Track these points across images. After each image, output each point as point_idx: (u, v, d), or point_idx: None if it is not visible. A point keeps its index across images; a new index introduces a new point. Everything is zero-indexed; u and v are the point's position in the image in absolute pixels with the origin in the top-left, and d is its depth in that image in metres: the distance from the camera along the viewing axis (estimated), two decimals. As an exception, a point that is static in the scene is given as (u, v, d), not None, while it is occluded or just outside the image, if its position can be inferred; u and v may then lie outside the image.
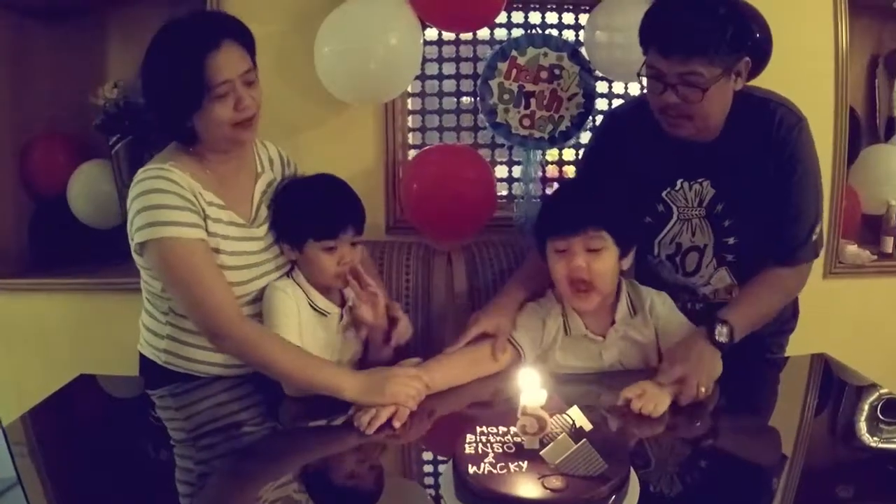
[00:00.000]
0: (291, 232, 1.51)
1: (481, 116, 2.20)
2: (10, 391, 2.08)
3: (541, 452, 1.00)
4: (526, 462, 1.01)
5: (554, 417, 1.04)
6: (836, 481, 1.12)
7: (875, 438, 1.29)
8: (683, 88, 1.39)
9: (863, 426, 1.32)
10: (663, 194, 1.58)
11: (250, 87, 1.39)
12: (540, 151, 2.24)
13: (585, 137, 2.28)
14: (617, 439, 1.18)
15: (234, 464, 1.25)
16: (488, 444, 1.05)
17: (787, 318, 1.74)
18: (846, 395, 1.55)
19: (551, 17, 2.29)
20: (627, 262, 1.52)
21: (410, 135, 2.31)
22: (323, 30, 1.98)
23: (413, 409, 1.32)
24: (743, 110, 1.48)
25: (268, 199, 1.54)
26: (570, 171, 2.38)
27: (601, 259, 1.45)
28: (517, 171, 2.32)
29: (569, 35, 2.28)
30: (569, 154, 2.38)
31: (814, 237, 1.53)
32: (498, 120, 2.14)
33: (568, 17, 2.29)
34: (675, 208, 1.59)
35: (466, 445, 1.05)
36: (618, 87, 2.32)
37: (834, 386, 1.60)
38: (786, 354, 1.75)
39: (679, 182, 1.56)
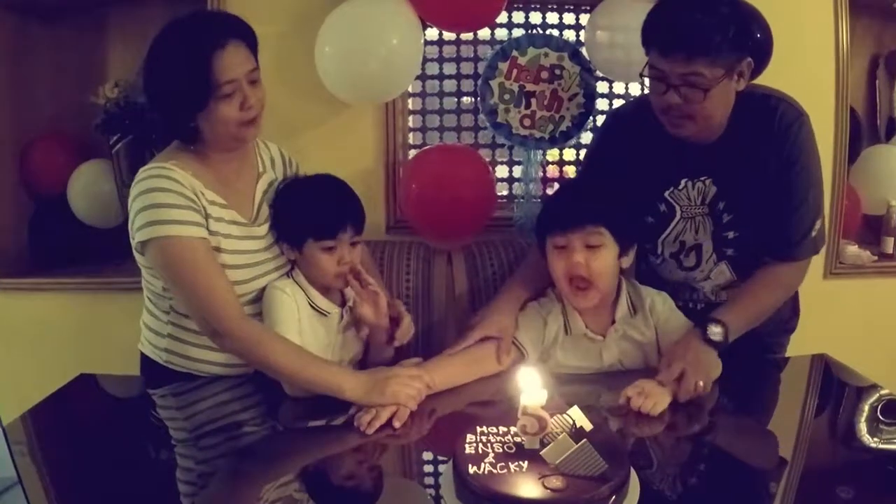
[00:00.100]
0: (291, 232, 1.51)
1: (482, 116, 2.20)
2: (10, 391, 2.08)
3: (541, 452, 1.00)
4: (526, 462, 1.01)
5: (554, 417, 1.04)
6: (837, 482, 1.12)
7: (875, 439, 1.29)
8: (686, 89, 1.39)
9: (863, 427, 1.32)
10: (666, 194, 1.58)
11: (255, 87, 1.39)
12: (540, 151, 2.24)
13: (586, 137, 2.29)
14: (617, 439, 1.18)
15: (234, 463, 1.25)
16: (488, 444, 1.05)
17: (787, 317, 1.74)
18: (846, 396, 1.55)
19: (552, 18, 2.29)
20: (627, 261, 1.52)
21: (411, 135, 2.31)
22: (324, 30, 1.98)
23: (413, 409, 1.32)
24: (745, 108, 1.49)
25: (269, 198, 1.54)
26: (570, 171, 2.38)
27: (600, 256, 1.45)
28: (518, 171, 2.33)
29: (569, 35, 2.28)
30: (569, 154, 2.38)
31: (813, 233, 1.53)
32: (498, 120, 2.14)
33: (569, 18, 2.29)
34: (678, 207, 1.59)
35: (467, 445, 1.05)
36: (618, 88, 2.32)
37: (834, 386, 1.60)
38: (786, 355, 1.75)
39: (683, 181, 1.56)
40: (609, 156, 1.65)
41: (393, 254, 2.03)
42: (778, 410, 1.47)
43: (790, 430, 1.34)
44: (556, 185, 2.35)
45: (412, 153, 2.28)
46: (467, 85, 2.30)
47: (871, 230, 2.53)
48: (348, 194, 1.55)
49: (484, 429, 1.09)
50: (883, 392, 1.43)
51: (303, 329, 1.48)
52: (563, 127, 2.15)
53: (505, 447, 1.05)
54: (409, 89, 2.24)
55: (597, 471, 0.97)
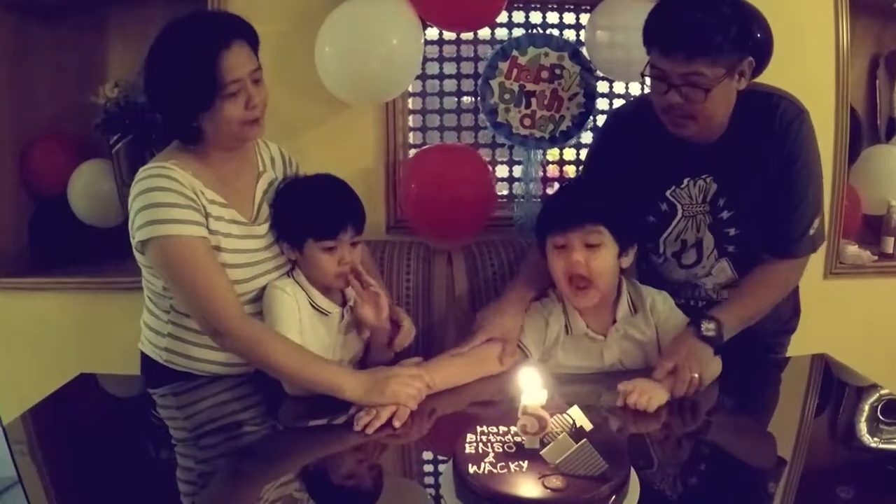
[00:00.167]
0: (291, 232, 1.51)
1: (482, 116, 2.20)
2: (10, 391, 2.08)
3: (541, 452, 1.00)
4: (526, 462, 1.01)
5: (554, 417, 1.04)
6: (837, 482, 1.12)
7: (875, 439, 1.29)
8: (687, 89, 1.39)
9: (863, 427, 1.32)
10: (667, 193, 1.58)
11: (258, 86, 1.40)
12: (541, 151, 2.24)
13: (586, 137, 2.30)
14: (617, 439, 1.18)
15: (235, 463, 1.25)
16: (489, 444, 1.05)
17: (788, 317, 1.74)
18: (846, 396, 1.55)
19: (552, 17, 2.29)
20: (627, 261, 1.52)
21: (411, 134, 2.31)
22: (324, 29, 1.98)
23: (413, 408, 1.32)
24: (746, 107, 1.49)
25: (269, 198, 1.54)
26: (570, 170, 2.38)
27: (600, 255, 1.45)
28: (518, 171, 2.33)
29: (570, 35, 2.28)
30: (569, 154, 2.38)
31: (812, 231, 1.53)
32: (499, 119, 2.14)
33: (569, 17, 2.29)
34: (679, 206, 1.59)
35: (467, 445, 1.05)
36: (618, 87, 2.32)
37: (834, 386, 1.60)
38: (786, 355, 1.75)
39: (685, 180, 1.56)
40: (610, 156, 1.65)
41: (393, 254, 2.03)
42: (778, 410, 1.47)
43: (790, 429, 1.34)
44: (556, 185, 2.35)
45: (412, 153, 2.28)
46: (467, 84, 2.30)
47: (871, 230, 2.53)
48: (349, 194, 1.55)
49: (484, 428, 1.09)
50: (883, 392, 1.43)
51: (303, 328, 1.48)
52: (563, 126, 2.15)
53: (505, 447, 1.05)
54: (410, 89, 2.24)
55: (597, 471, 0.97)
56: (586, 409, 1.06)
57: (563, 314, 1.54)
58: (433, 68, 2.28)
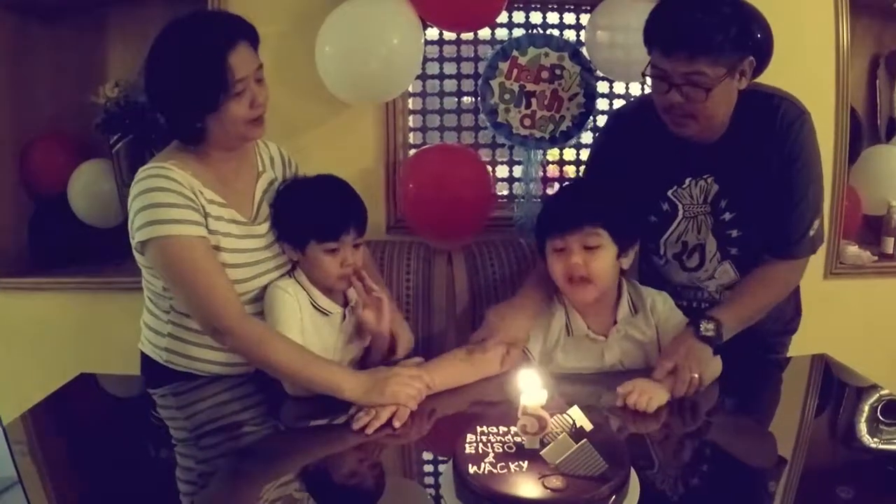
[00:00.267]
0: (293, 233, 1.51)
1: (482, 116, 2.20)
2: (10, 391, 2.08)
3: (541, 452, 1.00)
4: (526, 462, 1.01)
5: (554, 417, 1.04)
6: (837, 482, 1.12)
7: (875, 439, 1.29)
8: (688, 88, 1.39)
9: (863, 427, 1.32)
10: (669, 193, 1.58)
11: (261, 85, 1.41)
12: (541, 151, 2.24)
13: (586, 137, 2.30)
14: (617, 439, 1.18)
15: (235, 463, 1.25)
16: (489, 444, 1.05)
17: (790, 318, 1.74)
18: (846, 396, 1.55)
19: (552, 17, 2.29)
20: (627, 262, 1.52)
21: (411, 134, 2.31)
22: (324, 29, 1.98)
23: (413, 409, 1.33)
24: (747, 107, 1.49)
25: (269, 197, 1.54)
26: (570, 170, 2.38)
27: (599, 257, 1.45)
28: (518, 171, 2.32)
29: (570, 35, 2.28)
30: (569, 154, 2.38)
31: (812, 232, 1.53)
32: (499, 120, 2.14)
33: (569, 17, 2.29)
34: (680, 206, 1.59)
35: (467, 445, 1.05)
36: (619, 87, 2.32)
37: (834, 387, 1.60)
38: (787, 355, 1.75)
39: (687, 180, 1.56)
40: (612, 156, 1.65)
41: (393, 254, 2.03)
42: (778, 410, 1.47)
43: (790, 430, 1.34)
44: (557, 185, 2.35)
45: (412, 153, 2.28)
46: (468, 85, 2.30)
47: (871, 230, 2.53)
48: (352, 196, 1.55)
49: (484, 429, 1.09)
50: (883, 392, 1.43)
51: (305, 329, 1.48)
52: (563, 127, 2.15)
53: (505, 447, 1.05)
54: (410, 89, 2.24)
55: (597, 471, 0.97)
56: (586, 410, 1.06)
57: (565, 315, 1.54)
58: (433, 68, 2.28)
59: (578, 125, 2.15)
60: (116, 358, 1.66)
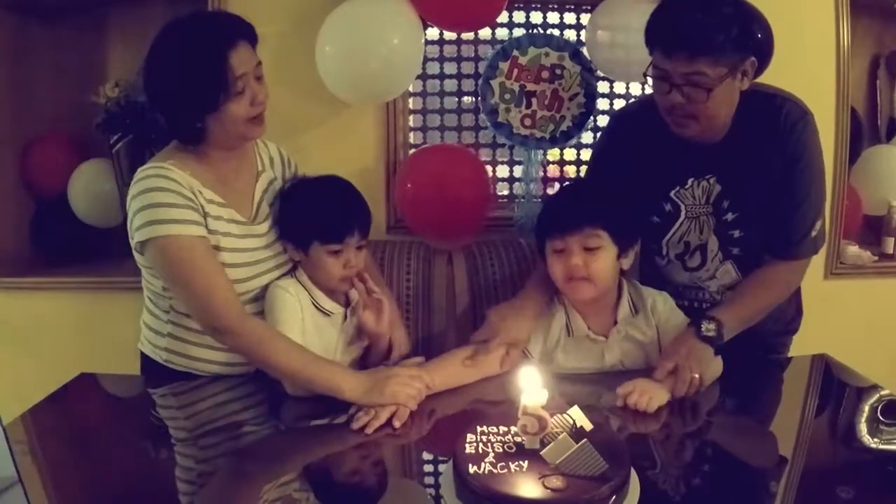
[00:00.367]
0: (297, 233, 1.50)
1: (482, 116, 2.20)
2: (10, 390, 2.08)
3: (541, 452, 1.00)
4: (526, 462, 1.01)
5: (555, 417, 1.04)
6: (837, 482, 1.12)
7: (875, 440, 1.29)
8: (689, 89, 1.39)
9: (863, 427, 1.32)
10: (671, 193, 1.58)
11: (260, 83, 1.41)
12: (541, 151, 2.23)
13: (587, 137, 2.30)
14: (617, 439, 1.18)
15: (235, 463, 1.25)
16: (489, 444, 1.05)
17: (791, 318, 1.74)
18: (847, 397, 1.54)
19: (553, 17, 2.29)
20: (627, 262, 1.52)
21: (412, 134, 2.31)
22: (324, 29, 1.97)
23: (413, 409, 1.33)
24: (749, 107, 1.49)
25: (269, 197, 1.54)
26: (571, 170, 2.38)
27: (599, 258, 1.45)
28: (518, 171, 2.32)
29: (570, 35, 2.27)
30: (570, 154, 2.38)
31: (813, 233, 1.53)
32: (499, 119, 2.14)
33: (569, 17, 2.29)
34: (683, 207, 1.59)
35: (467, 445, 1.05)
36: (619, 87, 2.32)
37: (834, 387, 1.60)
38: (787, 355, 1.75)
39: (689, 181, 1.56)
40: (614, 157, 1.64)
41: (393, 254, 2.03)
42: (778, 411, 1.47)
43: (790, 430, 1.34)
44: (557, 185, 2.35)
45: (413, 153, 2.28)
46: (468, 84, 2.30)
47: (871, 230, 2.53)
48: (357, 198, 1.55)
49: (484, 428, 1.09)
50: (883, 392, 1.43)
51: (306, 329, 1.48)
52: (563, 127, 2.15)
53: (505, 447, 1.05)
54: (410, 89, 2.24)
55: (597, 471, 0.97)
56: (587, 409, 1.06)
57: (565, 315, 1.54)
58: (434, 68, 2.28)
59: (579, 125, 2.15)
60: (116, 358, 1.66)
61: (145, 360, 1.57)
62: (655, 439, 1.27)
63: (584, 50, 2.14)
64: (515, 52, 2.10)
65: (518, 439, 1.05)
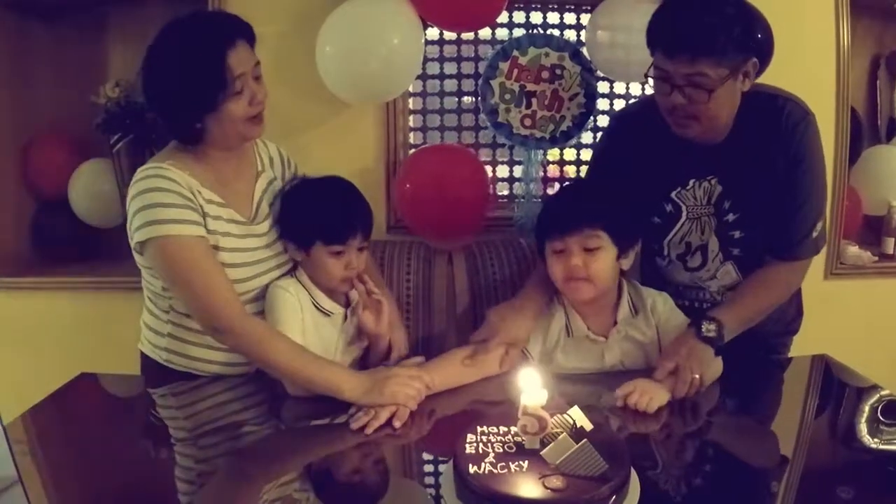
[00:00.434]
0: (299, 233, 1.50)
1: (482, 116, 2.20)
2: (10, 390, 2.08)
3: (541, 452, 1.00)
4: (526, 462, 1.01)
5: (555, 417, 1.04)
6: (837, 482, 1.12)
7: (875, 440, 1.29)
8: (690, 89, 1.39)
9: (863, 427, 1.32)
10: (672, 194, 1.58)
11: (259, 82, 1.41)
12: (541, 151, 2.23)
13: (587, 137, 2.30)
14: (618, 439, 1.18)
15: (235, 463, 1.25)
16: (489, 444, 1.05)
17: (792, 318, 1.74)
18: (847, 397, 1.55)
19: (553, 17, 2.29)
20: (627, 263, 1.52)
21: (412, 134, 2.31)
22: (324, 29, 1.98)
23: (413, 409, 1.32)
24: (751, 108, 1.49)
25: (269, 197, 1.54)
26: (571, 171, 2.38)
27: (598, 259, 1.45)
28: (518, 171, 2.32)
29: (570, 35, 2.27)
30: (570, 154, 2.38)
31: (814, 234, 1.53)
32: (499, 120, 2.14)
33: (569, 17, 2.29)
34: (684, 208, 1.59)
35: (467, 445, 1.05)
36: (619, 88, 2.32)
37: (834, 387, 1.60)
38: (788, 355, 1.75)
39: (690, 182, 1.56)
40: (615, 157, 1.64)
41: (393, 254, 2.03)
42: (779, 411, 1.47)
43: (791, 430, 1.34)
44: (557, 185, 2.35)
45: (412, 153, 2.28)
46: (468, 84, 2.30)
47: (871, 231, 2.53)
48: (359, 200, 1.55)
49: (484, 428, 1.09)
50: (883, 393, 1.43)
51: (306, 328, 1.48)
52: (563, 127, 2.15)
53: (505, 447, 1.05)
54: (410, 89, 2.24)
55: (597, 471, 0.97)
56: (587, 410, 1.06)
57: (564, 316, 1.54)
58: (434, 68, 2.28)
59: (579, 125, 2.15)
60: (116, 358, 1.66)
61: (145, 360, 1.57)
62: (656, 439, 1.27)
63: (584, 50, 2.14)
64: (515, 53, 2.10)
65: (518, 439, 1.05)
